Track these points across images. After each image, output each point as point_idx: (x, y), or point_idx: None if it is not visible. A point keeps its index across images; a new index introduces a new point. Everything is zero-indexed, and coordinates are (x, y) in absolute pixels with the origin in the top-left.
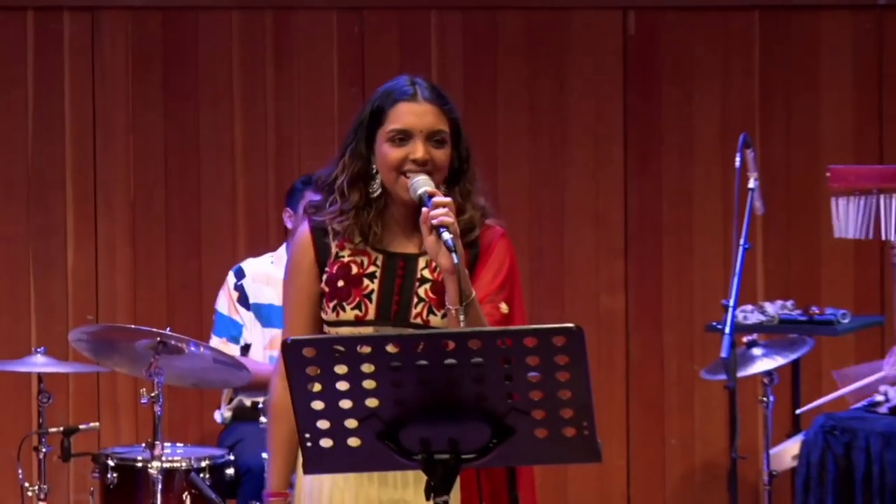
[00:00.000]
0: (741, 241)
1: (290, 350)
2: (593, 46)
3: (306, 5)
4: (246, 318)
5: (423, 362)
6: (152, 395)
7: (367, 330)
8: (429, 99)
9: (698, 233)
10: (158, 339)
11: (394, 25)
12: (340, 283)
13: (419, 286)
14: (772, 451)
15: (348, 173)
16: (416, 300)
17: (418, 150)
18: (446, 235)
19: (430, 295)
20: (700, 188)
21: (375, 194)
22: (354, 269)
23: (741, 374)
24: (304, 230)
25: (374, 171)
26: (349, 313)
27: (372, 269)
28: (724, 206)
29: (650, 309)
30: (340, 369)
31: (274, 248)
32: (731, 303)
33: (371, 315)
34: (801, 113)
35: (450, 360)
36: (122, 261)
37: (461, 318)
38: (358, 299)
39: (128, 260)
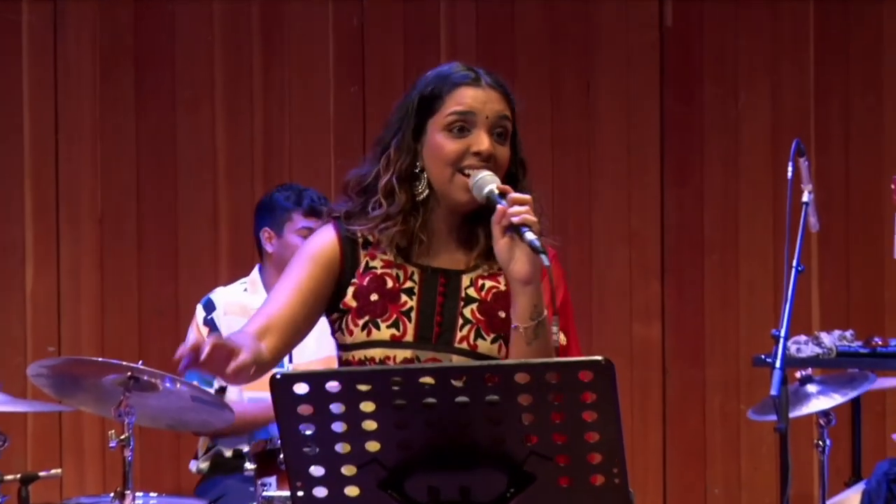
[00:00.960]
0: (794, 263)
1: (279, 386)
2: (625, 40)
3: None
4: None
5: (431, 400)
6: (122, 437)
7: (405, 353)
8: (492, 85)
9: (745, 253)
10: (129, 374)
11: (398, 17)
12: (374, 297)
13: (464, 306)
14: (829, 502)
15: (395, 170)
16: (461, 321)
17: (483, 140)
18: (530, 235)
19: (478, 316)
20: (747, 202)
21: (422, 196)
22: (389, 283)
23: (794, 414)
24: (331, 233)
25: (420, 168)
26: (384, 332)
27: (409, 284)
28: (774, 223)
29: (690, 339)
30: (337, 408)
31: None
32: (783, 333)
33: (409, 336)
34: (862, 116)
35: (461, 399)
36: (87, 284)
37: (534, 338)
38: (395, 316)
39: (94, 283)
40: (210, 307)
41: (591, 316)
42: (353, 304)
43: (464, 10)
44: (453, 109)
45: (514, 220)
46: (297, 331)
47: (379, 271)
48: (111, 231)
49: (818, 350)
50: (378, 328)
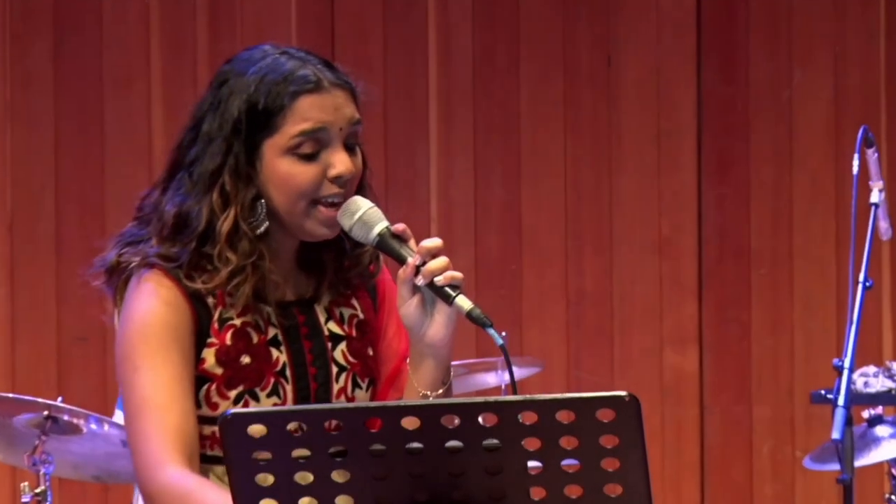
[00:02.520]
0: (860, 278)
1: (230, 427)
2: (654, 5)
3: None
4: None
5: (417, 446)
6: (37, 491)
7: None
8: (337, 83)
9: (801, 265)
10: (46, 413)
11: None
12: (245, 360)
13: (333, 347)
14: None
15: (237, 208)
16: (335, 369)
17: (341, 160)
18: (467, 303)
19: (351, 359)
20: (803, 203)
21: (261, 229)
22: (254, 336)
23: (860, 462)
24: (171, 287)
25: (255, 195)
26: (265, 402)
27: (271, 331)
28: (836, 229)
29: (734, 370)
30: (301, 455)
31: None
32: (847, 363)
33: (290, 401)
34: None
35: (453, 443)
36: None
37: None
38: (273, 381)
39: (2, 302)
40: None
41: (613, 342)
42: (219, 371)
43: None
44: (300, 129)
45: (438, 280)
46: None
47: (238, 323)
48: (23, 238)
49: (890, 384)
50: (258, 400)
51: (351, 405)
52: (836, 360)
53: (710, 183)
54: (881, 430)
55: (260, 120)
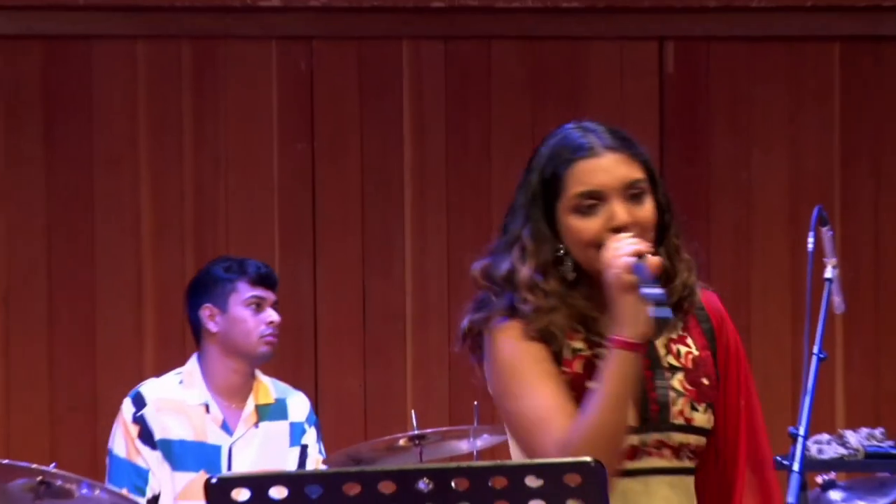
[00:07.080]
0: (815, 350)
1: (214, 493)
2: (618, 89)
3: (236, 33)
4: (151, 459)
5: None
6: None
7: (632, 440)
8: (612, 146)
9: (758, 338)
10: (39, 478)
11: (352, 61)
12: (593, 386)
13: (671, 377)
14: None
15: (534, 262)
16: (674, 395)
17: (619, 213)
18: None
19: (688, 387)
20: (760, 279)
21: (572, 278)
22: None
23: None
24: (512, 324)
25: (562, 251)
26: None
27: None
28: (792, 303)
29: None
30: None
31: (184, 361)
32: (801, 431)
33: (631, 420)
34: None
35: None
36: None
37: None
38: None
39: None
40: (139, 402)
41: None
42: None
43: (430, 53)
44: (577, 191)
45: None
46: None
47: (587, 354)
48: (17, 313)
49: (843, 451)
50: None
51: (331, 470)
52: (791, 429)
53: None
54: (834, 495)
55: (550, 185)
